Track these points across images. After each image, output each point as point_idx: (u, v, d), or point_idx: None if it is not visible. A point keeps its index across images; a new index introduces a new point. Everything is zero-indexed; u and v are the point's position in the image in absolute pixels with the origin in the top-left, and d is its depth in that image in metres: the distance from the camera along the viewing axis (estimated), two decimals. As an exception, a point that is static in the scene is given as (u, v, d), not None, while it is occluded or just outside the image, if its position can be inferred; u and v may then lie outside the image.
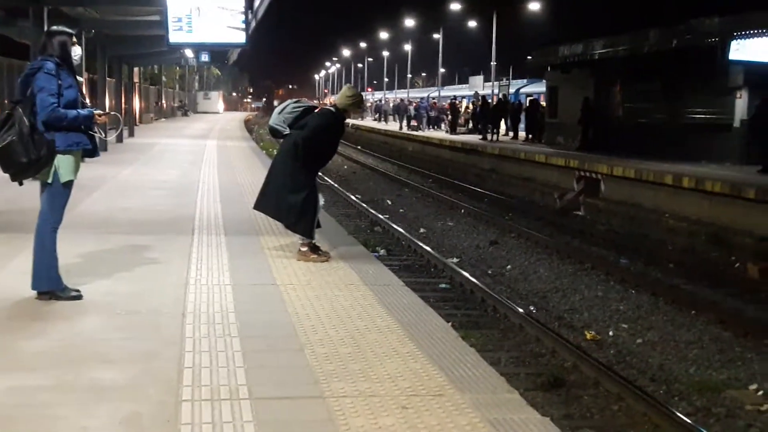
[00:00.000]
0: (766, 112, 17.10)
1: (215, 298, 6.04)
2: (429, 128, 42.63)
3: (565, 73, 28.01)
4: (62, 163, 5.71)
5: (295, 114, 7.55)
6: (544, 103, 32.57)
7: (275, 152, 8.13)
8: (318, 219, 7.68)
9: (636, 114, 24.46)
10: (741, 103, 19.74)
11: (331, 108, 7.70)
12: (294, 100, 7.86)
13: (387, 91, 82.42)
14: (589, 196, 18.92)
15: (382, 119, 59.03)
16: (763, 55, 19.14)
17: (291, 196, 7.47)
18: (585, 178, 19.47)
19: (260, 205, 7.78)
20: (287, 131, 7.52)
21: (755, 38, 18.96)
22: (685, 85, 21.69)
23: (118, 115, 9.26)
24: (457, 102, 41.67)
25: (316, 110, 7.65)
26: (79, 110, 5.76)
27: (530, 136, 31.70)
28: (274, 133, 7.69)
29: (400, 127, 46.12)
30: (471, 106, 40.84)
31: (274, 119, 7.63)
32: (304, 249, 7.59)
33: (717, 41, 19.08)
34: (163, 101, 57.33)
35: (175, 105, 67.30)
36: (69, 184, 5.80)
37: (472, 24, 55.24)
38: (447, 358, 4.87)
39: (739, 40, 18.83)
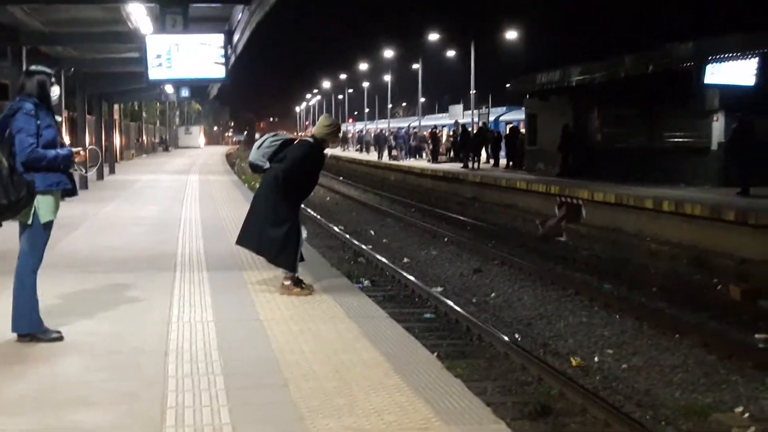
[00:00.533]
0: (743, 135, 17.28)
1: (198, 336, 6.00)
2: (408, 158, 42.79)
3: (544, 101, 28.26)
4: (42, 203, 5.68)
5: (274, 147, 7.55)
6: (523, 130, 32.79)
7: (257, 186, 8.11)
8: (301, 252, 7.67)
9: (614, 139, 24.67)
10: (718, 126, 19.95)
11: (309, 139, 7.70)
12: (272, 134, 7.84)
13: (368, 122, 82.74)
14: (571, 221, 19.01)
15: (364, 149, 59.25)
16: (738, 78, 19.41)
17: (273, 230, 7.44)
18: (566, 204, 19.58)
19: (242, 240, 7.74)
20: (267, 165, 7.52)
21: (730, 62, 19.23)
22: (662, 109, 21.93)
23: (97, 150, 9.26)
24: (437, 131, 41.89)
25: (294, 142, 7.66)
26: (58, 150, 5.75)
27: (511, 163, 31.88)
28: (255, 168, 7.66)
29: (380, 157, 46.28)
30: (452, 135, 41.05)
31: (254, 155, 7.61)
32: (287, 283, 7.57)
33: (692, 65, 19.33)
34: (144, 137, 57.29)
35: (156, 141, 67.25)
36: (49, 225, 5.77)
37: (450, 53, 55.71)
38: (432, 389, 4.85)
39: (714, 63, 19.08)
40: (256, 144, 7.72)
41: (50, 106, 5.87)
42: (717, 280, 13.18)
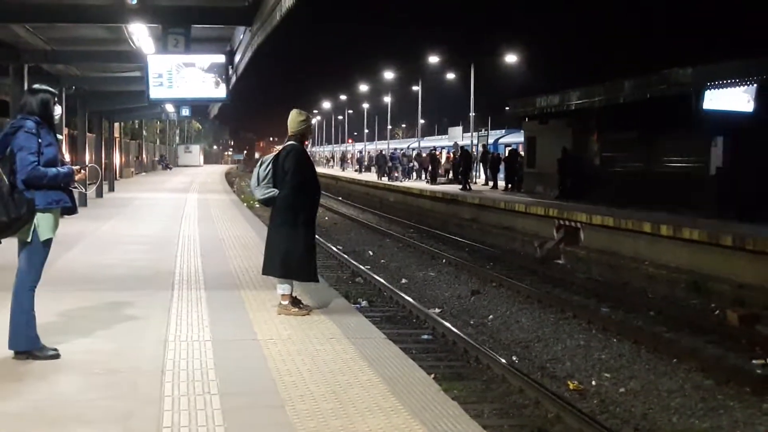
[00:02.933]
0: (739, 160, 17.35)
1: (195, 355, 5.99)
2: (406, 179, 42.89)
3: (543, 124, 28.36)
4: (42, 221, 5.70)
5: (270, 172, 7.48)
6: (522, 153, 32.89)
7: (256, 204, 8.13)
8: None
9: (613, 163, 24.74)
10: (716, 151, 20.02)
11: (291, 142, 7.60)
12: (258, 165, 7.68)
13: (368, 142, 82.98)
14: (569, 244, 19.02)
15: (363, 170, 59.43)
16: (737, 104, 19.51)
17: (296, 250, 7.43)
18: (565, 227, 19.60)
19: (268, 269, 7.64)
20: (276, 191, 7.44)
21: (728, 88, 19.33)
22: (660, 134, 22.01)
23: (97, 168, 9.30)
24: (436, 153, 42.01)
25: (279, 153, 7.58)
26: (59, 168, 5.78)
27: (509, 185, 31.94)
28: (268, 202, 7.57)
29: (380, 177, 46.41)
30: (451, 156, 41.21)
31: (260, 192, 7.50)
32: (285, 303, 7.57)
33: (691, 91, 19.43)
34: (144, 155, 57.40)
35: (156, 159, 67.39)
36: (48, 243, 5.78)
37: (450, 76, 55.98)
38: (429, 412, 4.84)
39: (712, 89, 19.18)
40: (253, 184, 7.62)
41: (52, 124, 5.91)
42: (714, 304, 13.18)
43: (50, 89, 5.96)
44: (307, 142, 7.86)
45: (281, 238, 7.48)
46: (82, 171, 6.15)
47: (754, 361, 9.91)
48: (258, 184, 7.52)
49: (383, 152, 55.02)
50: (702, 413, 8.04)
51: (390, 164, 44.99)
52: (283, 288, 7.59)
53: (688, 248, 15.20)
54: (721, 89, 19.25)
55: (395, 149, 52.82)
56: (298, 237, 7.45)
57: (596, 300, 13.84)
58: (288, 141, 7.65)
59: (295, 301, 7.62)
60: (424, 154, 45.61)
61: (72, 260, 11.03)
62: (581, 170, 25.43)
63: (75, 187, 6.05)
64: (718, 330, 11.52)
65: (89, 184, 7.09)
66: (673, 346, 10.44)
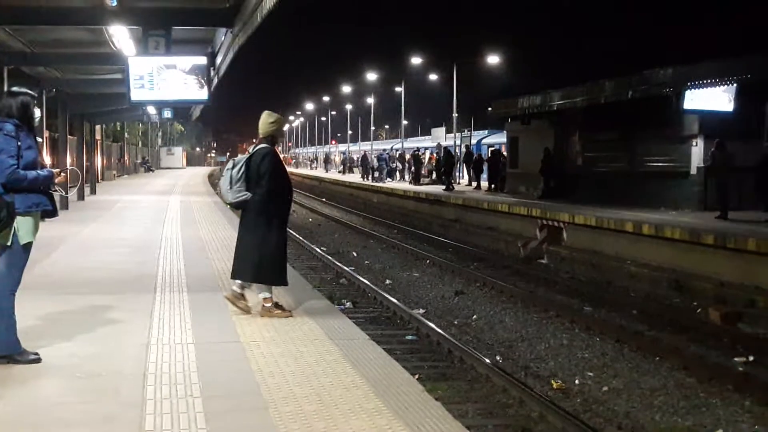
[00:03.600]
0: (721, 159, 17.48)
1: (177, 358, 5.96)
2: (388, 179, 42.91)
3: (525, 124, 28.45)
4: (22, 224, 5.65)
5: (243, 174, 7.38)
6: (505, 153, 32.99)
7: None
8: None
9: (595, 163, 24.85)
10: (697, 151, 20.17)
11: (264, 145, 7.53)
12: (229, 166, 7.57)
13: (351, 144, 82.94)
14: (552, 244, 19.10)
15: (347, 171, 59.43)
16: (717, 104, 19.67)
17: (268, 254, 7.39)
18: (548, 227, 19.67)
19: (238, 273, 7.58)
20: (249, 195, 7.37)
21: (708, 88, 19.47)
22: (642, 133, 22.14)
23: (77, 171, 9.23)
24: (420, 153, 42.07)
25: (252, 156, 7.48)
26: (38, 171, 5.74)
27: (493, 185, 32.03)
28: (240, 205, 7.50)
29: (364, 178, 46.45)
30: (434, 157, 41.28)
31: (232, 195, 7.40)
32: (268, 305, 7.54)
33: (671, 91, 19.56)
34: (126, 158, 57.10)
35: (138, 161, 67.07)
36: (28, 246, 5.73)
37: (433, 77, 56.04)
38: (413, 412, 4.84)
39: (692, 89, 19.32)
40: (224, 187, 7.50)
41: (32, 127, 5.87)
42: (696, 303, 13.26)
43: (29, 92, 5.92)
44: (278, 145, 7.78)
45: (254, 241, 7.42)
46: (62, 174, 6.10)
47: (736, 359, 9.98)
48: (231, 187, 7.42)
49: (367, 153, 55.06)
50: (684, 411, 8.08)
51: (375, 165, 45.01)
52: (264, 291, 7.55)
53: (670, 247, 15.30)
54: (701, 89, 19.40)
55: (382, 150, 52.87)
56: (271, 241, 7.41)
57: (579, 299, 13.89)
58: (259, 143, 7.57)
59: (277, 304, 7.61)
60: (407, 155, 45.67)
61: (53, 264, 10.95)
62: (564, 170, 25.54)
63: (55, 190, 6.00)
64: (700, 328, 11.58)
65: (70, 187, 7.05)
66: (655, 345, 10.50)
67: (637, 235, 16.31)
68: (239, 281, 7.58)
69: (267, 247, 7.40)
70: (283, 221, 7.63)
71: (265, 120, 7.56)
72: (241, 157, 7.62)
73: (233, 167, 7.48)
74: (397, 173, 45.03)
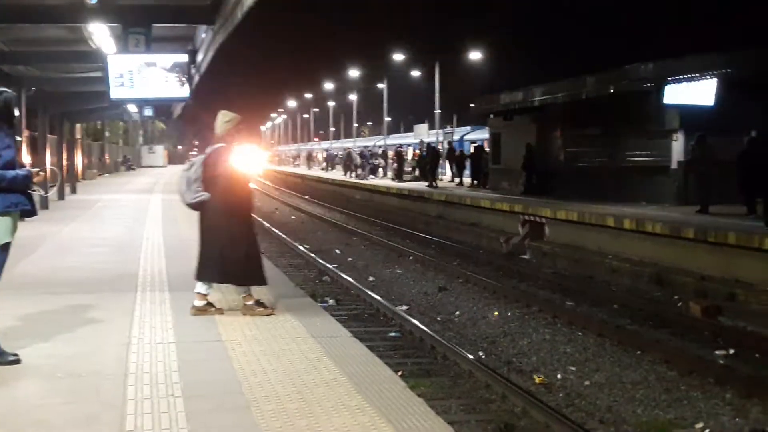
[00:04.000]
0: (701, 154, 17.60)
1: (158, 357, 5.94)
2: (371, 176, 42.89)
3: (508, 120, 28.51)
4: (0, 224, 5.60)
5: (200, 175, 7.31)
6: (487, 150, 33.06)
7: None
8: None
9: (577, 158, 24.96)
10: (677, 146, 20.27)
11: (220, 144, 7.45)
12: (186, 166, 7.53)
13: (334, 141, 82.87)
14: (535, 239, 19.16)
15: (329, 168, 59.37)
16: (697, 98, 19.77)
17: (233, 253, 7.33)
18: (530, 222, 19.73)
19: (203, 274, 7.46)
20: (207, 195, 7.29)
21: (689, 83, 19.59)
22: (623, 128, 22.24)
23: (56, 170, 9.16)
24: (402, 150, 42.08)
25: (209, 155, 7.40)
26: (17, 171, 5.69)
27: (475, 182, 32.09)
28: (198, 206, 7.37)
29: (346, 175, 46.45)
30: (417, 153, 41.33)
31: (191, 196, 7.31)
32: (250, 303, 7.52)
33: (652, 86, 19.67)
34: (107, 156, 56.77)
35: (119, 160, 66.69)
36: (6, 246, 5.69)
37: (416, 73, 56.10)
38: (395, 409, 4.84)
39: (673, 84, 19.43)
40: (182, 187, 7.41)
41: (12, 126, 5.82)
42: (677, 297, 13.34)
43: (8, 90, 5.87)
44: (235, 143, 7.62)
45: (215, 242, 7.33)
46: (41, 173, 6.05)
47: (716, 352, 10.06)
48: (188, 188, 7.34)
49: (351, 150, 55.05)
50: (666, 404, 8.14)
51: (358, 162, 44.97)
52: (199, 287, 7.43)
53: (651, 241, 15.39)
54: (681, 84, 19.51)
55: (364, 147, 52.86)
56: (234, 240, 7.34)
57: (561, 294, 13.95)
58: (216, 143, 7.49)
59: (259, 302, 7.56)
60: (390, 152, 45.69)
61: (32, 264, 10.87)
62: (546, 166, 25.63)
63: (34, 190, 5.95)
64: (681, 322, 11.66)
65: (50, 187, 7.03)
66: (637, 339, 10.56)
67: (618, 229, 16.39)
68: (203, 285, 7.44)
69: (230, 248, 7.30)
70: (247, 218, 7.56)
71: (221, 120, 7.48)
72: (198, 158, 7.54)
73: (189, 168, 7.41)
74: (380, 170, 45.02)
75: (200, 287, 7.48)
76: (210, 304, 7.53)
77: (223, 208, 7.31)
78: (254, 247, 7.59)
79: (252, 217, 7.82)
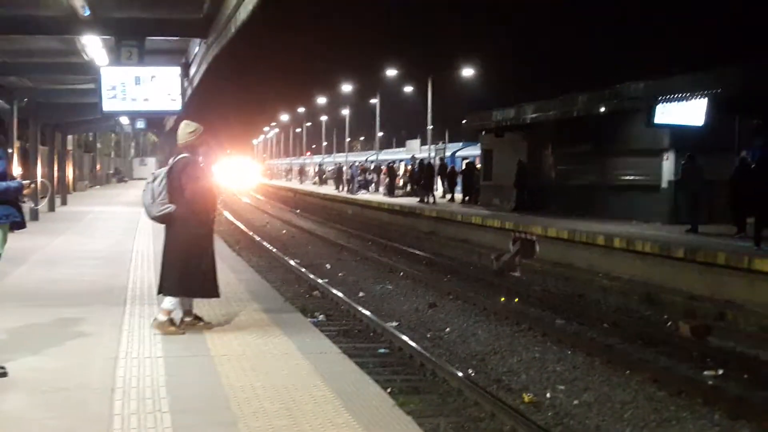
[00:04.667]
0: (691, 172, 17.67)
1: (146, 372, 5.91)
2: (363, 191, 42.91)
3: (499, 137, 28.63)
4: (-12, 236, 5.58)
5: (164, 187, 7.25)
6: (479, 166, 33.15)
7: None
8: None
9: (568, 176, 25.05)
10: (668, 165, 20.38)
11: (183, 155, 7.40)
12: (150, 179, 7.43)
13: (326, 155, 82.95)
14: (525, 257, 19.17)
15: (321, 183, 59.43)
16: (687, 118, 19.88)
17: (196, 266, 7.26)
18: (521, 240, 19.75)
19: (167, 288, 7.35)
20: (173, 207, 7.22)
21: (679, 102, 19.70)
22: (614, 147, 22.35)
23: (46, 183, 9.13)
24: (394, 165, 42.15)
25: (172, 167, 7.34)
26: (8, 183, 5.67)
27: (467, 198, 32.15)
28: (164, 219, 7.29)
29: (337, 189, 46.50)
30: (409, 169, 41.41)
31: (156, 209, 7.24)
32: (164, 318, 7.29)
33: (642, 105, 19.78)
34: (98, 168, 56.66)
35: (111, 172, 66.54)
36: (-5, 258, 5.66)
37: (408, 89, 56.28)
38: (383, 427, 4.83)
39: (663, 103, 19.53)
40: (147, 201, 7.33)
41: (6, 138, 5.82)
42: (667, 316, 13.36)
43: (2, 103, 5.87)
44: (200, 154, 7.59)
45: (182, 255, 7.26)
46: (32, 185, 6.04)
47: (705, 372, 10.05)
48: (153, 201, 7.26)
49: (341, 165, 55.12)
50: (655, 424, 8.12)
51: (350, 177, 44.99)
52: (169, 302, 7.31)
53: (641, 260, 15.43)
54: (672, 103, 19.62)
55: (355, 162, 52.92)
56: (200, 253, 7.29)
57: (552, 312, 13.93)
58: (179, 154, 7.44)
59: (172, 322, 7.35)
60: (383, 167, 45.75)
61: (21, 276, 10.81)
62: (537, 183, 25.71)
63: (24, 202, 5.94)
64: (670, 341, 11.66)
65: (40, 198, 7.01)
66: (626, 358, 10.55)
67: (608, 248, 16.43)
68: (170, 300, 7.35)
69: (195, 260, 7.25)
70: (209, 231, 7.49)
71: (184, 130, 7.44)
72: (161, 170, 7.48)
73: (153, 180, 7.32)
74: (373, 185, 45.04)
75: (167, 303, 7.34)
76: (171, 321, 7.38)
77: (189, 219, 7.23)
78: (213, 257, 7.51)
79: (213, 228, 7.67)
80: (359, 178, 44.44)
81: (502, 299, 14.88)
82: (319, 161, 79.14)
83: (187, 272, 7.26)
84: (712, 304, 13.08)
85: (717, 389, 9.27)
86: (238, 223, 30.83)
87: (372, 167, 48.05)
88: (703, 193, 17.50)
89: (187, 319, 7.44)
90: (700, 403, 8.70)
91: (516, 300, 14.90)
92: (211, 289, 7.44)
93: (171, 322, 7.34)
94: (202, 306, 8.61)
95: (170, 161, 7.51)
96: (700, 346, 11.32)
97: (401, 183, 40.73)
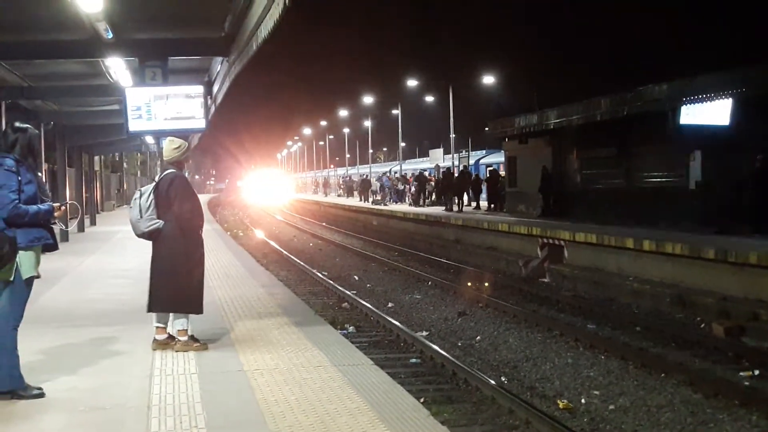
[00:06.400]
0: (719, 173, 17.50)
1: (181, 388, 5.94)
2: (393, 202, 42.86)
3: (523, 143, 28.51)
4: (24, 259, 5.66)
5: (152, 203, 7.22)
6: (503, 173, 33.04)
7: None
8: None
9: (593, 180, 24.88)
10: (695, 166, 20.17)
11: (170, 170, 7.38)
12: (137, 195, 7.40)
13: (350, 167, 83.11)
14: (554, 262, 19.07)
15: (346, 194, 59.47)
16: (713, 118, 19.68)
17: (187, 281, 7.25)
18: (549, 245, 19.66)
19: (157, 305, 7.32)
20: (161, 223, 7.21)
21: (703, 102, 19.51)
22: (639, 150, 22.18)
23: (77, 204, 9.22)
24: (428, 174, 41.99)
25: (159, 183, 7.31)
26: (39, 206, 5.75)
27: (492, 205, 32.06)
28: (152, 235, 7.27)
29: (362, 200, 46.52)
30: (431, 178, 41.34)
31: (145, 225, 7.22)
32: (184, 338, 7.28)
33: (667, 106, 19.62)
34: (125, 188, 57.19)
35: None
36: (30, 281, 5.74)
37: (430, 98, 56.27)
38: (419, 438, 4.82)
39: (688, 105, 19.36)
40: (134, 217, 7.31)
41: (35, 161, 5.90)
42: (700, 318, 13.23)
43: (30, 127, 5.94)
44: (184, 169, 7.61)
45: (170, 270, 7.22)
46: (62, 207, 6.11)
47: (741, 374, 9.94)
48: (141, 217, 7.24)
49: (367, 176, 55.18)
50: (692, 428, 8.04)
51: (377, 188, 44.94)
52: (181, 323, 7.31)
53: (672, 262, 15.28)
54: (696, 104, 19.44)
55: (382, 173, 52.92)
56: (189, 268, 7.27)
57: (582, 317, 13.86)
58: (166, 169, 7.44)
59: (194, 338, 7.38)
60: (409, 177, 45.73)
61: (54, 297, 10.94)
62: (562, 188, 25.58)
63: (55, 224, 6.01)
64: (704, 343, 11.55)
65: (70, 220, 7.09)
66: (660, 361, 10.46)
67: (638, 251, 16.30)
68: (160, 316, 7.34)
69: (185, 276, 7.23)
70: (198, 245, 7.46)
71: (169, 146, 7.44)
72: (148, 186, 7.46)
73: (141, 196, 7.30)
74: (408, 196, 44.67)
75: (179, 324, 7.32)
76: (172, 337, 7.39)
77: (177, 235, 7.22)
78: (203, 273, 7.51)
79: (202, 242, 7.62)
80: (399, 187, 44.18)
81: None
82: (342, 173, 79.24)
83: (177, 288, 7.23)
84: (745, 304, 12.92)
85: (754, 390, 9.17)
86: (266, 238, 30.95)
87: (409, 177, 47.65)
88: (731, 193, 17.31)
89: (160, 337, 7.35)
90: (737, 404, 8.61)
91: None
92: (197, 306, 7.41)
93: (193, 338, 7.36)
94: (235, 320, 8.66)
95: (156, 177, 7.53)
96: (735, 347, 11.20)
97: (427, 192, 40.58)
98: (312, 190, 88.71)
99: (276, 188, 71.47)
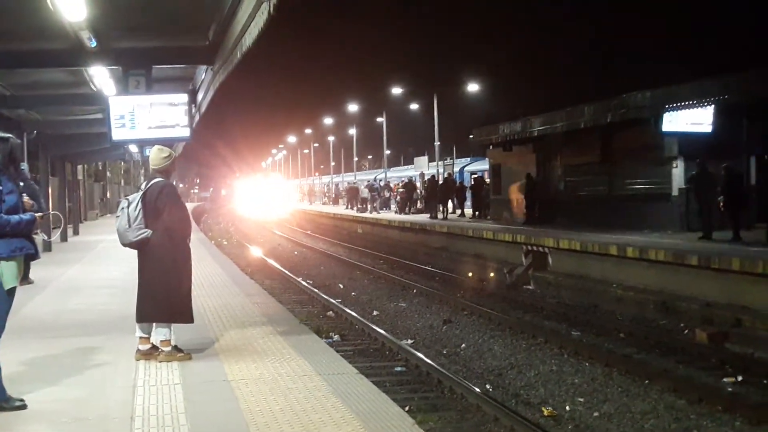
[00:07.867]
0: (702, 179, 17.62)
1: (165, 399, 5.91)
2: (377, 211, 42.80)
3: (507, 151, 28.63)
4: (5, 269, 5.61)
5: (140, 212, 7.13)
6: (488, 180, 33.15)
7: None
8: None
9: (578, 187, 25.02)
10: (678, 173, 20.33)
11: (158, 179, 7.30)
12: (123, 204, 7.29)
13: (334, 175, 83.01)
14: (538, 269, 19.13)
15: (331, 202, 59.41)
16: (695, 125, 19.86)
17: (178, 290, 7.20)
18: (533, 252, 19.72)
19: (147, 315, 7.25)
20: (149, 232, 7.12)
21: (686, 110, 19.67)
22: (622, 157, 22.32)
23: (59, 214, 9.14)
24: (414, 182, 41.97)
25: (147, 191, 7.21)
26: (21, 215, 5.71)
27: (477, 213, 32.14)
28: (140, 244, 7.17)
29: (348, 208, 46.49)
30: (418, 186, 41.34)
31: (134, 234, 7.10)
32: (167, 349, 7.21)
33: (650, 114, 19.76)
34: (109, 197, 56.93)
35: (120, 200, 66.73)
36: (12, 291, 5.70)
37: (414, 106, 56.38)
38: (404, 446, 4.81)
39: (670, 112, 19.52)
40: (122, 226, 7.18)
41: (18, 171, 5.86)
42: (683, 324, 13.30)
43: (12, 137, 5.90)
44: (171, 177, 7.55)
45: (160, 280, 7.16)
46: (44, 216, 6.07)
47: (724, 380, 10.01)
48: (129, 226, 7.13)
49: (354, 184, 55.14)
50: (676, 434, 8.08)
51: (365, 196, 44.84)
52: (163, 333, 7.24)
53: (655, 269, 15.36)
54: (679, 111, 19.60)
55: (372, 180, 52.90)
56: (178, 277, 7.21)
57: (567, 324, 13.90)
58: (153, 178, 7.36)
59: (177, 348, 7.34)
60: (393, 185, 45.69)
61: (37, 307, 10.86)
62: (546, 195, 25.68)
63: (37, 233, 5.97)
64: (688, 349, 11.61)
65: (53, 229, 7.04)
66: (644, 368, 10.50)
67: (621, 258, 16.38)
68: (143, 326, 7.28)
69: (175, 285, 7.18)
70: (187, 254, 7.40)
71: (157, 155, 7.37)
72: (135, 195, 7.36)
73: (129, 205, 7.19)
74: (395, 203, 44.61)
75: (161, 334, 7.26)
76: (155, 347, 7.33)
77: (166, 244, 7.16)
78: (190, 282, 7.46)
79: (190, 251, 7.53)
80: (386, 195, 44.14)
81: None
82: (327, 181, 78.97)
83: (167, 298, 7.18)
84: (728, 310, 13.01)
85: (737, 396, 9.23)
86: (249, 245, 30.86)
87: (394, 185, 47.53)
88: (714, 199, 17.44)
89: (143, 347, 7.30)
90: (721, 410, 8.67)
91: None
92: (187, 315, 7.37)
93: (177, 348, 7.32)
94: (219, 330, 8.63)
95: (143, 186, 7.42)
96: (718, 353, 11.27)
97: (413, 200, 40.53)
98: (299, 199, 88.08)
99: (274, 197, 67.33)
